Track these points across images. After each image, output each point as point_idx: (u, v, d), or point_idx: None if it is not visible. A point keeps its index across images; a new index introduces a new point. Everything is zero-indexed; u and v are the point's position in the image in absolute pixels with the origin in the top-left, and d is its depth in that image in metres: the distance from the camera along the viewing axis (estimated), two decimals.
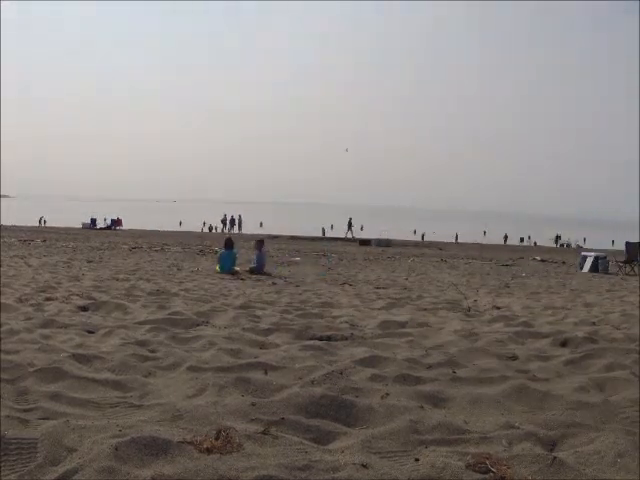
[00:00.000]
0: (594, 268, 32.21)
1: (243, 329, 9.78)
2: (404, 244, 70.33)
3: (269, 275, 22.38)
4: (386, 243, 65.23)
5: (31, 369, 6.61)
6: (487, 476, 4.15)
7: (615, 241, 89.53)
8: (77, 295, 13.38)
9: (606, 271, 31.94)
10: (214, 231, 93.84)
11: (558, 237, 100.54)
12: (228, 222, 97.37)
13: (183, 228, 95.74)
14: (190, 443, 4.48)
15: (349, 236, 78.89)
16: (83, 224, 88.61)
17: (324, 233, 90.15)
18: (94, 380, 6.38)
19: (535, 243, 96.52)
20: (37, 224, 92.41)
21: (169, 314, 10.99)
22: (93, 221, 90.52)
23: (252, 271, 22.46)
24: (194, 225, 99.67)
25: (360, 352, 8.13)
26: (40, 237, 48.52)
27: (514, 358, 8.12)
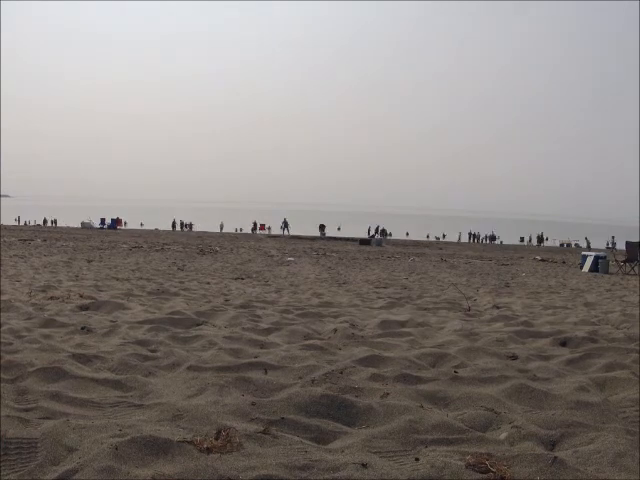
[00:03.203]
0: (594, 268, 32.28)
1: (243, 329, 9.78)
2: (404, 244, 70.36)
3: None
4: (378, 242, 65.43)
5: (31, 369, 6.61)
6: (487, 476, 4.15)
7: (616, 243, 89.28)
8: (77, 294, 13.39)
9: (606, 271, 32.03)
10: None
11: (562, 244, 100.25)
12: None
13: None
14: (190, 443, 4.49)
15: (286, 233, 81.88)
16: (82, 223, 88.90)
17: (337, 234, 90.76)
18: (94, 380, 6.38)
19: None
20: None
21: (169, 314, 11.00)
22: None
23: None
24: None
25: (360, 352, 8.13)
26: (40, 237, 48.53)
27: (514, 358, 8.12)
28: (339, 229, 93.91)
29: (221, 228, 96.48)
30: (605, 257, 33.54)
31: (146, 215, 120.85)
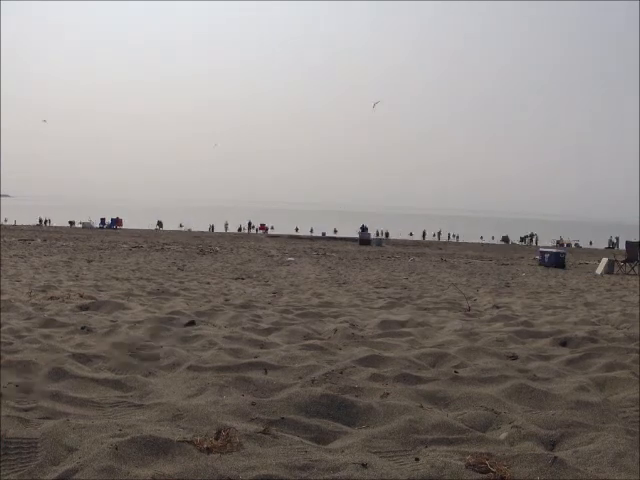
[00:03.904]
0: (552, 264, 35.49)
1: (243, 328, 9.78)
2: (404, 244, 70.38)
3: None
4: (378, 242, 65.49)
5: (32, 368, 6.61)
6: (487, 476, 4.15)
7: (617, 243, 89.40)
8: (77, 294, 13.38)
9: (562, 265, 35.54)
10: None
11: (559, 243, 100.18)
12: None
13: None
14: (190, 442, 4.48)
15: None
16: (83, 224, 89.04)
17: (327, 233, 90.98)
18: (94, 380, 6.37)
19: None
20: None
21: (169, 313, 10.99)
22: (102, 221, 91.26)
23: None
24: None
25: (360, 352, 8.12)
26: (40, 236, 48.54)
27: (514, 358, 8.12)
28: (335, 231, 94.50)
29: (226, 227, 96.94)
30: (564, 253, 37.23)
31: (147, 214, 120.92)
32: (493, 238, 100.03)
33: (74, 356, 7.30)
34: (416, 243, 73.31)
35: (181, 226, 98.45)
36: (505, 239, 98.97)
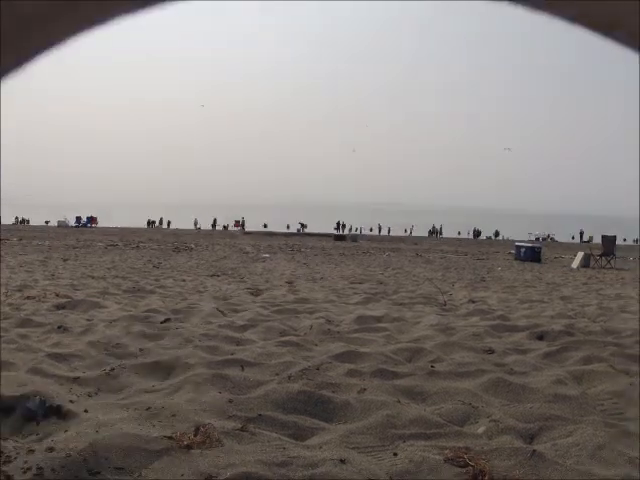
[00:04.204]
0: (528, 258, 36.33)
1: (219, 326, 9.74)
2: (381, 239, 70.50)
3: None
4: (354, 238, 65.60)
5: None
6: (465, 470, 4.15)
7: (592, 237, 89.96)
8: (54, 294, 13.30)
9: (538, 259, 35.90)
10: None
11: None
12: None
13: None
14: (170, 438, 4.46)
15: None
16: (59, 222, 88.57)
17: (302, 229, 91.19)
18: (70, 379, 6.33)
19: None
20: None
21: (145, 311, 10.95)
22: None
23: None
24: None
25: (336, 347, 8.12)
26: (16, 235, 48.28)
27: (491, 352, 8.13)
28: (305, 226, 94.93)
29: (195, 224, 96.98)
30: (540, 247, 38.28)
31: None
32: (468, 233, 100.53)
33: (50, 356, 7.25)
34: (391, 239, 73.38)
35: (160, 223, 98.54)
36: (476, 233, 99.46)
